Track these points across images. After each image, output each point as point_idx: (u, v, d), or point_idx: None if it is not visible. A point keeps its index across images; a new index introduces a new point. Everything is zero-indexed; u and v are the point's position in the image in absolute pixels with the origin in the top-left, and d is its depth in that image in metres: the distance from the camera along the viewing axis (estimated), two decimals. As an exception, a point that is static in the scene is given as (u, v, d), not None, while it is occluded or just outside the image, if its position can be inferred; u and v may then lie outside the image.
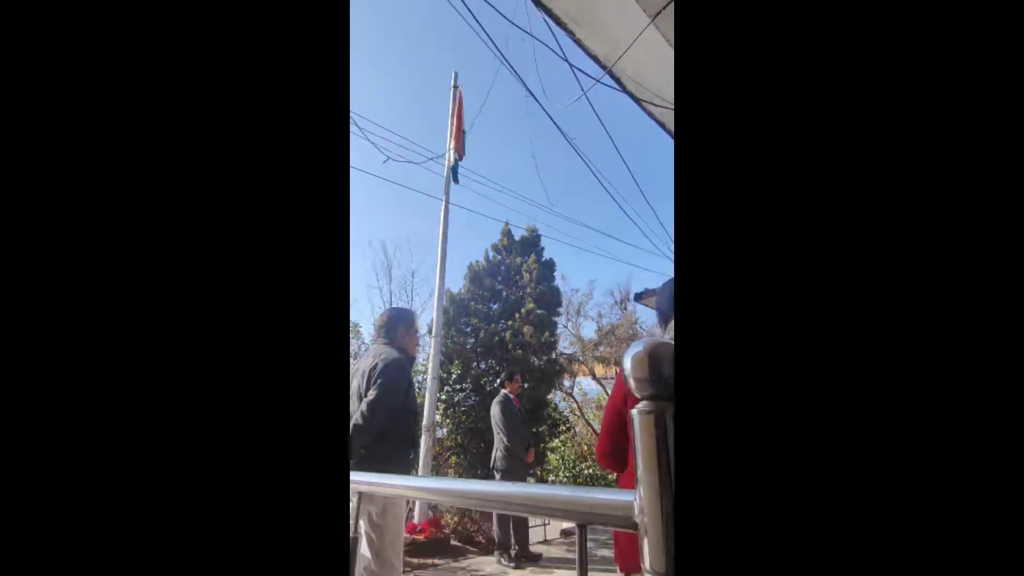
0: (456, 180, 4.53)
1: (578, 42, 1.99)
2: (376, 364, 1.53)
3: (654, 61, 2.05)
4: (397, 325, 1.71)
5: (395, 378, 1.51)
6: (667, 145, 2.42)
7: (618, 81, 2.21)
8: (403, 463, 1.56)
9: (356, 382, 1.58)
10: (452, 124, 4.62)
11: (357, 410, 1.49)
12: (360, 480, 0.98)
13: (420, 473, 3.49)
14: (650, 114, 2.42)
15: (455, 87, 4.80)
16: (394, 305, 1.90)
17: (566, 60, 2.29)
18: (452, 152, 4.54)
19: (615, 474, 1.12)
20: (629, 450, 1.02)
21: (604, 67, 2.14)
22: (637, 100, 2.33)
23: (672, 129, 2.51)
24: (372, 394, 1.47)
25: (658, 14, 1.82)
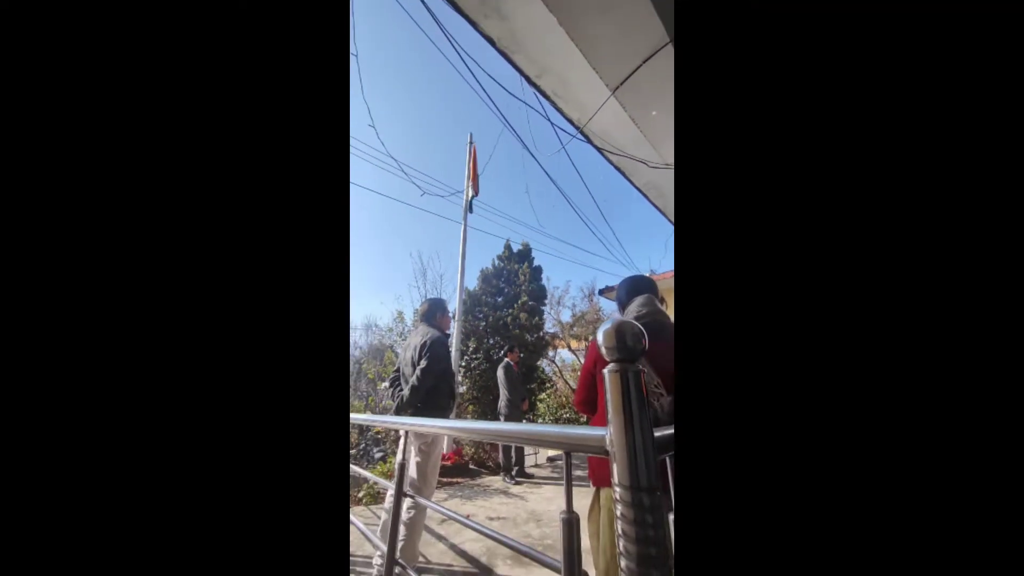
0: (471, 211, 4.51)
1: (559, 110, 1.98)
2: (425, 341, 1.55)
3: (614, 123, 2.06)
4: (436, 311, 1.71)
5: (439, 351, 1.54)
6: (623, 183, 2.40)
7: (588, 138, 2.21)
8: (446, 410, 1.59)
9: (409, 354, 1.60)
10: (469, 170, 4.60)
11: (412, 374, 1.52)
12: (410, 422, 1.04)
13: (451, 418, 3.49)
14: (610, 162, 2.42)
15: (470, 144, 4.77)
16: (428, 297, 1.86)
17: (550, 121, 2.28)
18: (469, 190, 4.51)
19: (586, 417, 1.12)
20: (599, 399, 1.03)
21: (577, 127, 2.13)
22: (601, 151, 2.33)
23: (626, 172, 2.50)
24: (423, 363, 1.50)
25: (616, 88, 1.82)
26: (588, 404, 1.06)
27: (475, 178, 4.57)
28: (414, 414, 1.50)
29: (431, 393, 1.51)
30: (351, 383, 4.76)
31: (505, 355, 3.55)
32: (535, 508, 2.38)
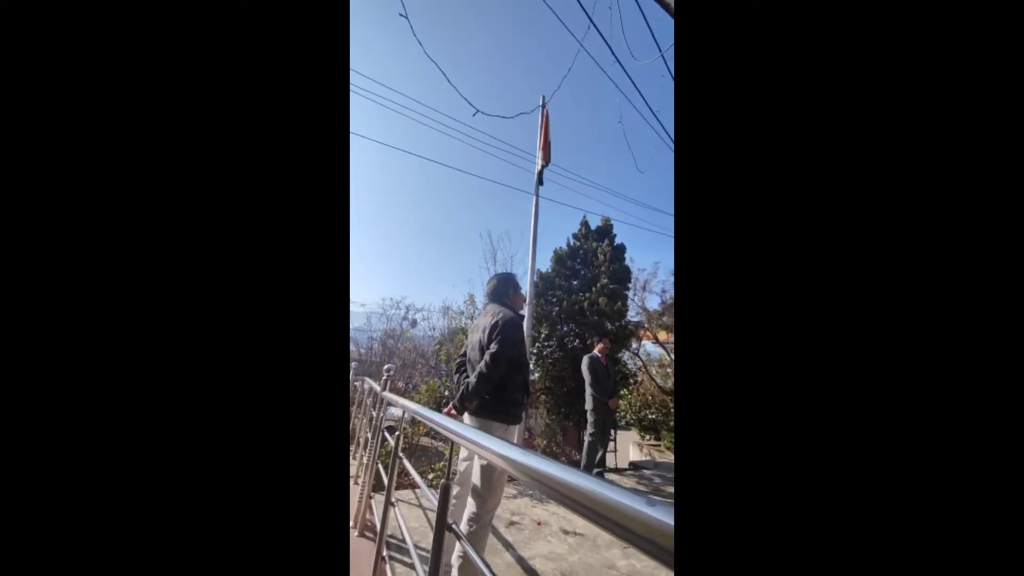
0: (541, 183, 4.21)
1: (666, 6, 1.50)
2: (496, 321, 1.35)
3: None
4: (507, 288, 1.50)
5: (512, 334, 1.32)
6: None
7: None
8: (518, 406, 1.38)
9: (477, 336, 1.41)
10: (540, 136, 4.28)
11: (480, 360, 1.32)
12: (457, 429, 0.91)
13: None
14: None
15: (543, 107, 4.42)
16: (496, 272, 1.73)
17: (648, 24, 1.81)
18: (540, 160, 4.21)
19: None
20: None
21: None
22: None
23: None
24: (494, 347, 1.29)
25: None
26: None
27: (546, 146, 4.24)
28: (479, 406, 1.32)
29: (502, 384, 1.32)
30: (432, 364, 5.08)
31: (593, 347, 3.24)
32: (621, 525, 2.10)
